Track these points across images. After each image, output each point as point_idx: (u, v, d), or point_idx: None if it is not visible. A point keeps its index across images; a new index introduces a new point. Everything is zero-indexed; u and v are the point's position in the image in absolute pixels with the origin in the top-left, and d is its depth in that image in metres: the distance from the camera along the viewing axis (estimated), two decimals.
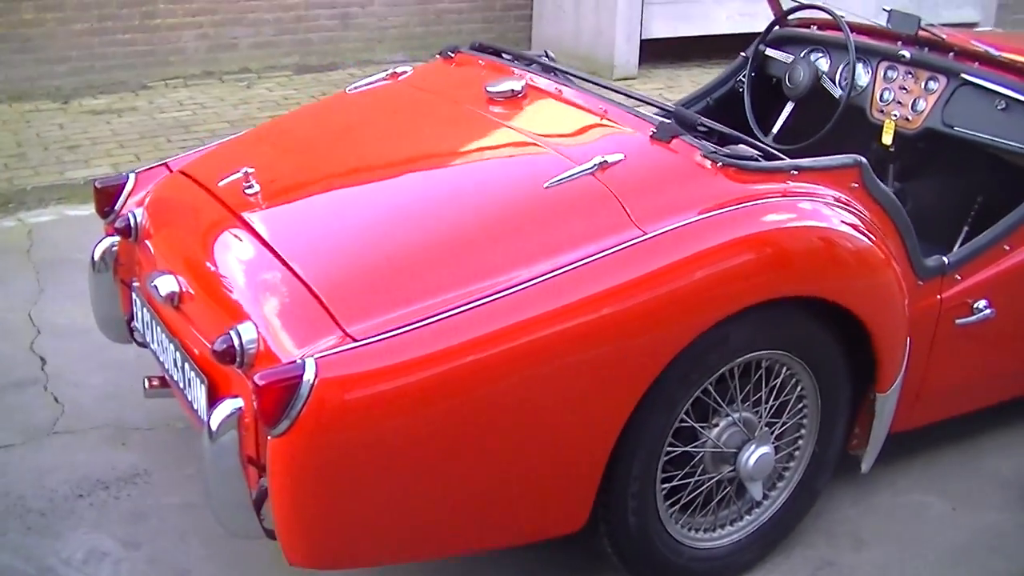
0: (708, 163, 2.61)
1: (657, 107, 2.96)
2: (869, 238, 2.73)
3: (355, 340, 2.24)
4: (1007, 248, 3.15)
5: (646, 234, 2.45)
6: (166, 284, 2.68)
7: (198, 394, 2.56)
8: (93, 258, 3.12)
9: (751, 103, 4.15)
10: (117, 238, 3.11)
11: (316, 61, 7.38)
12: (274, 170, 2.82)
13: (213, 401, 2.47)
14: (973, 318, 3.05)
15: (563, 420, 2.40)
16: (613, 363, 2.39)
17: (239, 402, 2.31)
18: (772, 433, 2.78)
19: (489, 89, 3.03)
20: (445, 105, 3.12)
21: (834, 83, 3.95)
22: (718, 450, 2.70)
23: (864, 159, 2.80)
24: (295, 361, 2.19)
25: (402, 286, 2.37)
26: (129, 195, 3.20)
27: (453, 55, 3.49)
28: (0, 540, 2.96)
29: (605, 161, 2.58)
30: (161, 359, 2.82)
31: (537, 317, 2.32)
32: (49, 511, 3.08)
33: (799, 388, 2.80)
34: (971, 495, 3.26)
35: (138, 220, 3.00)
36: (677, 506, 2.72)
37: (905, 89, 3.77)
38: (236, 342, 2.33)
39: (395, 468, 2.27)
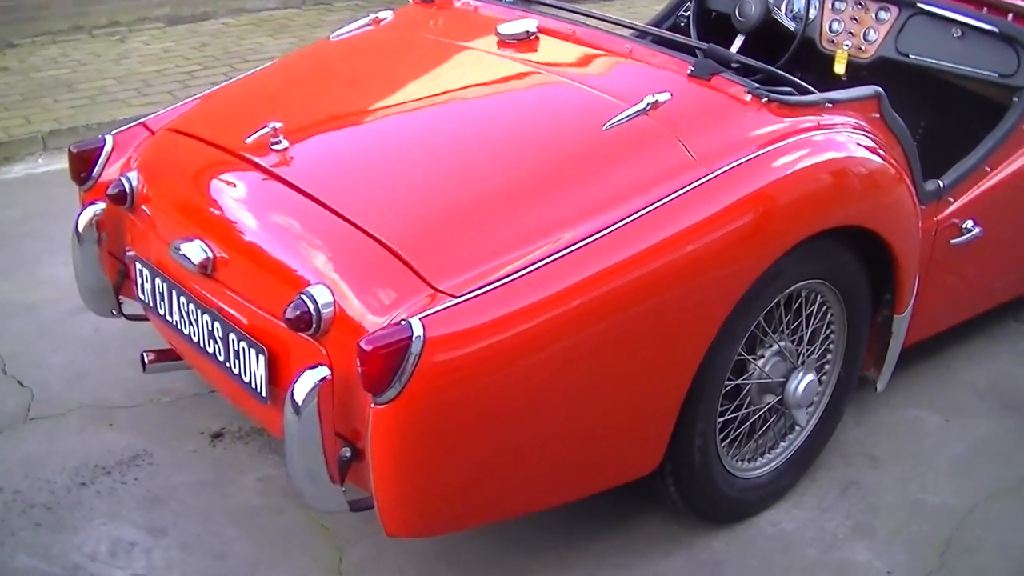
0: (752, 99, 2.61)
1: (681, 44, 2.93)
2: (893, 166, 2.79)
3: (454, 296, 2.16)
4: (988, 169, 3.28)
5: (711, 172, 2.45)
6: (195, 251, 2.50)
7: (253, 366, 2.41)
8: (77, 228, 2.89)
9: (697, 38, 4.17)
10: (102, 206, 2.89)
11: (188, 12, 7.01)
12: (301, 123, 2.65)
13: (276, 372, 2.35)
14: (964, 238, 3.18)
15: (647, 362, 2.38)
16: (694, 301, 2.39)
17: (324, 371, 2.19)
18: (815, 360, 2.83)
19: (501, 31, 2.94)
20: (459, 50, 2.99)
21: (782, 15, 4.01)
22: (766, 380, 2.74)
23: (882, 90, 2.85)
24: (399, 323, 2.09)
25: (483, 238, 2.29)
26: (108, 159, 2.97)
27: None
28: (11, 540, 2.74)
29: (656, 101, 2.55)
30: (185, 332, 2.64)
31: (623, 262, 2.28)
32: (54, 504, 2.87)
33: (829, 315, 2.86)
34: (958, 407, 3.42)
35: (134, 185, 2.79)
36: (727, 440, 2.74)
37: (855, 20, 3.86)
38: (311, 307, 2.21)
39: (493, 425, 2.22)
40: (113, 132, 3.05)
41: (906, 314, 2.97)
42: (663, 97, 2.56)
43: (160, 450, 3.09)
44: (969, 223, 3.19)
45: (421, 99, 2.79)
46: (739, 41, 4.09)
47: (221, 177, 2.61)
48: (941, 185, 3.11)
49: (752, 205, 2.46)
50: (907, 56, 3.72)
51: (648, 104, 2.54)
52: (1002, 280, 3.52)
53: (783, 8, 4.03)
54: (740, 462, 2.82)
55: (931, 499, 3.01)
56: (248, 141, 2.58)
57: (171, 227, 2.63)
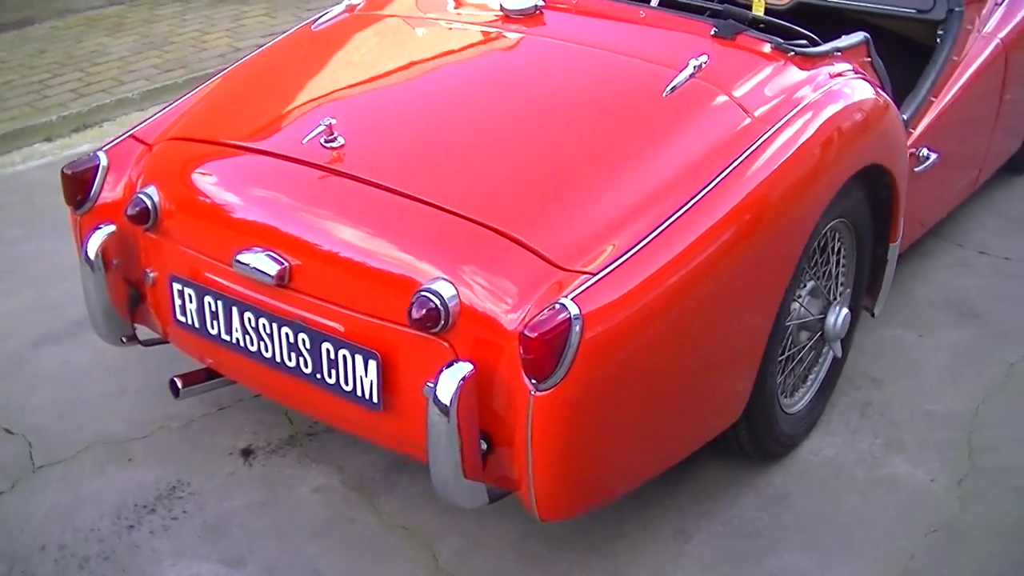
0: (778, 54, 2.72)
1: (689, 5, 3.00)
2: (892, 106, 2.98)
3: (591, 274, 2.17)
4: (933, 99, 3.52)
5: (771, 127, 2.55)
6: (267, 263, 2.40)
7: (360, 374, 2.35)
8: (88, 255, 2.71)
9: None
10: (111, 228, 2.71)
11: (11, 17, 6.47)
12: (352, 118, 2.56)
13: (391, 376, 2.30)
14: (924, 166, 3.42)
15: (747, 307, 2.50)
16: (779, 245, 2.52)
17: (466, 367, 2.16)
18: (848, 295, 3.00)
19: (507, 6, 2.93)
20: (476, 29, 2.95)
21: None
22: (809, 318, 2.88)
23: (868, 35, 3.03)
24: (554, 306, 2.09)
25: (590, 213, 2.32)
26: (105, 178, 2.79)
27: None
28: None
29: (700, 64, 2.62)
30: (251, 349, 2.52)
31: (723, 218, 2.37)
32: (110, 552, 2.70)
33: (843, 250, 3.03)
34: (924, 322, 3.68)
35: (156, 201, 2.63)
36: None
37: None
38: (437, 303, 2.17)
39: (636, 391, 2.27)
40: (105, 148, 2.85)
41: (899, 241, 3.18)
42: (703, 60, 2.63)
43: (196, 478, 2.94)
44: (925, 151, 3.43)
45: (464, 81, 2.76)
46: None
47: (282, 183, 2.50)
48: (904, 118, 3.33)
49: (811, 153, 2.59)
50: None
51: (695, 67, 2.60)
52: (952, 192, 3.81)
53: None
54: (785, 398, 2.96)
55: (938, 408, 3.25)
56: (306, 142, 2.47)
57: (226, 241, 2.50)
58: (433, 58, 2.88)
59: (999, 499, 2.90)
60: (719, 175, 2.41)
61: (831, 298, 2.95)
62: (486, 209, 2.30)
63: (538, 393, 2.10)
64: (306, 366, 2.44)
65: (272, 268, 2.38)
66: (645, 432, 2.34)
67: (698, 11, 2.91)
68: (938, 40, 3.65)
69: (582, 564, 2.67)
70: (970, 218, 4.32)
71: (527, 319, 2.11)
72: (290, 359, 2.46)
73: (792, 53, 2.74)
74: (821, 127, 2.63)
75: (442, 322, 2.18)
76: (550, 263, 2.21)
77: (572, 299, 2.10)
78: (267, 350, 2.50)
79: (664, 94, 2.55)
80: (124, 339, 2.88)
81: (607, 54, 2.75)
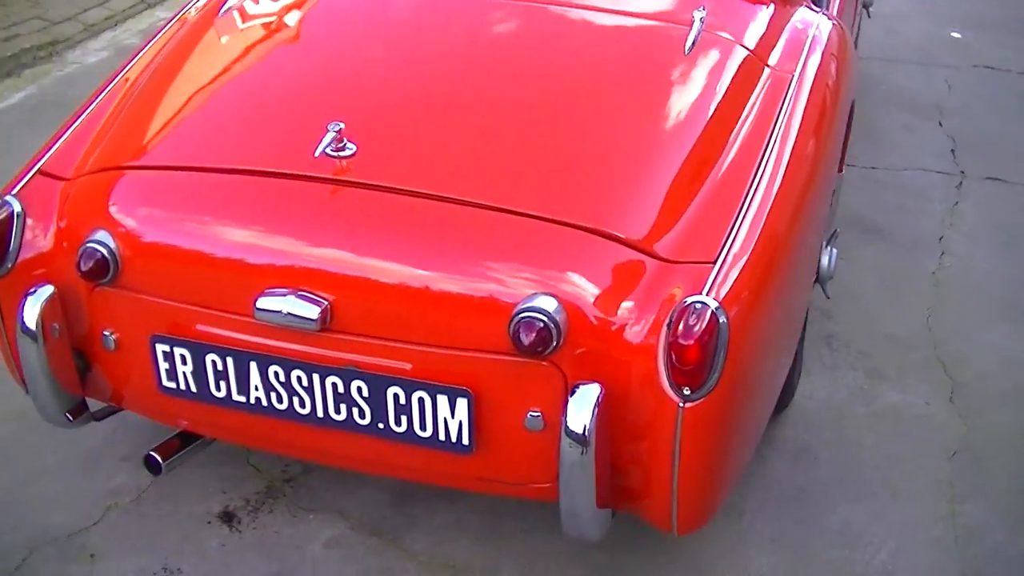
0: None
1: None
2: (848, 36, 2.93)
3: (711, 263, 1.98)
4: None
5: (792, 77, 2.45)
6: (302, 306, 2.02)
7: (444, 415, 2.03)
8: (26, 326, 2.19)
9: None
10: (50, 288, 2.22)
11: None
12: (359, 119, 2.18)
13: (483, 413, 2.01)
14: None
15: (811, 263, 2.43)
16: (824, 193, 2.46)
17: (595, 388, 1.91)
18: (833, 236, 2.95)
19: None
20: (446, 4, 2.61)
21: None
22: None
23: None
24: (695, 306, 1.88)
25: (667, 192, 2.11)
26: (24, 228, 2.28)
27: None
28: None
29: (703, 15, 2.45)
30: (279, 408, 2.14)
31: (788, 175, 2.25)
32: None
33: None
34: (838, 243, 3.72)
35: (115, 250, 2.16)
36: None
37: None
38: (546, 322, 1.90)
39: (758, 377, 2.11)
40: (13, 191, 2.32)
41: (844, 173, 3.17)
42: (702, 10, 2.47)
43: (182, 559, 2.51)
44: None
45: (466, 58, 2.42)
46: None
47: (296, 206, 2.10)
48: None
49: (828, 95, 2.54)
50: None
51: (701, 20, 2.43)
52: None
53: None
54: None
55: (895, 331, 3.30)
56: (318, 154, 2.09)
57: (235, 286, 2.08)
58: (414, 33, 2.52)
59: (993, 411, 2.98)
60: (771, 133, 2.27)
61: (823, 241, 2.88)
62: (560, 205, 2.04)
63: (689, 404, 1.89)
64: (362, 417, 2.09)
65: (312, 311, 2.01)
66: (758, 413, 2.21)
67: None
68: None
69: (651, 563, 2.50)
70: None
71: (662, 326, 1.88)
72: (338, 412, 2.10)
73: None
74: (824, 71, 2.56)
75: (554, 343, 1.92)
76: (659, 258, 1.99)
77: (710, 295, 1.90)
78: (303, 406, 2.12)
79: (686, 52, 2.36)
80: (70, 416, 2.38)
81: (607, 15, 2.51)
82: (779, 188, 2.19)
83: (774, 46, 2.50)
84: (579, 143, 2.19)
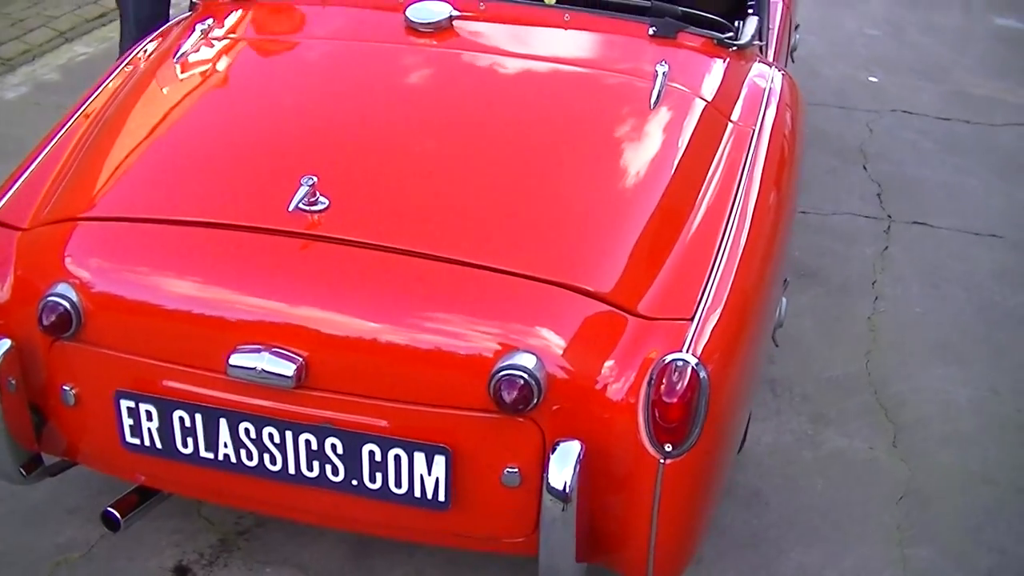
0: (721, 49, 2.66)
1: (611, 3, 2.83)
2: (795, 84, 3.00)
3: (688, 319, 2.01)
4: None
5: (753, 130, 2.50)
6: (277, 363, 2.00)
7: (421, 472, 2.02)
8: None
9: None
10: (7, 343, 2.16)
11: None
12: (328, 173, 2.16)
13: (461, 470, 2.01)
14: None
15: (773, 311, 2.49)
16: (785, 242, 2.49)
17: (576, 445, 1.93)
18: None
19: (413, 18, 2.61)
20: (392, 50, 2.59)
21: None
22: None
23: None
24: (675, 363, 1.91)
25: (640, 247, 2.14)
26: None
27: None
28: None
29: (665, 69, 2.49)
30: (248, 465, 2.11)
31: (754, 228, 2.29)
32: None
33: None
34: None
35: (77, 304, 2.11)
36: None
37: None
38: (526, 379, 1.91)
39: (731, 429, 2.15)
40: None
41: None
42: (664, 64, 2.51)
43: None
44: None
45: (435, 113, 2.41)
46: None
47: (267, 262, 2.08)
48: None
49: (786, 146, 2.58)
50: None
51: (664, 74, 2.47)
52: None
53: None
54: None
55: (834, 373, 3.37)
56: (291, 209, 2.07)
57: (205, 342, 2.05)
58: (390, 86, 2.50)
59: (935, 453, 3.06)
60: (737, 187, 2.32)
61: None
62: (535, 261, 2.05)
63: (670, 460, 1.91)
64: (335, 474, 2.07)
65: (288, 369, 1.98)
66: (728, 466, 2.24)
67: (618, 9, 2.75)
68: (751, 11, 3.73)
69: None
70: None
71: (642, 384, 1.91)
72: (310, 469, 2.08)
73: (732, 48, 2.67)
74: (781, 123, 2.62)
75: (535, 400, 1.92)
76: (637, 315, 2.01)
77: (689, 352, 1.92)
78: (274, 463, 2.09)
79: (651, 106, 2.39)
80: (24, 471, 2.31)
81: (566, 68, 2.53)
82: (747, 241, 2.23)
83: (735, 100, 2.55)
84: (552, 198, 2.20)
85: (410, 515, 2.08)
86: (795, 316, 3.61)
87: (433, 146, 2.30)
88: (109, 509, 2.31)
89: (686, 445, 1.90)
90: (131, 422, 2.14)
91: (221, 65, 2.62)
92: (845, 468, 2.99)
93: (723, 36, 2.69)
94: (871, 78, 5.66)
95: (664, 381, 1.89)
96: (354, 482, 2.07)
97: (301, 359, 1.99)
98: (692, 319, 2.00)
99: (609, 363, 1.96)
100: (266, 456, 2.09)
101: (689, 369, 1.90)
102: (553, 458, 1.90)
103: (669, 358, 1.92)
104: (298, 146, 2.31)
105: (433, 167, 2.25)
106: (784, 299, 2.92)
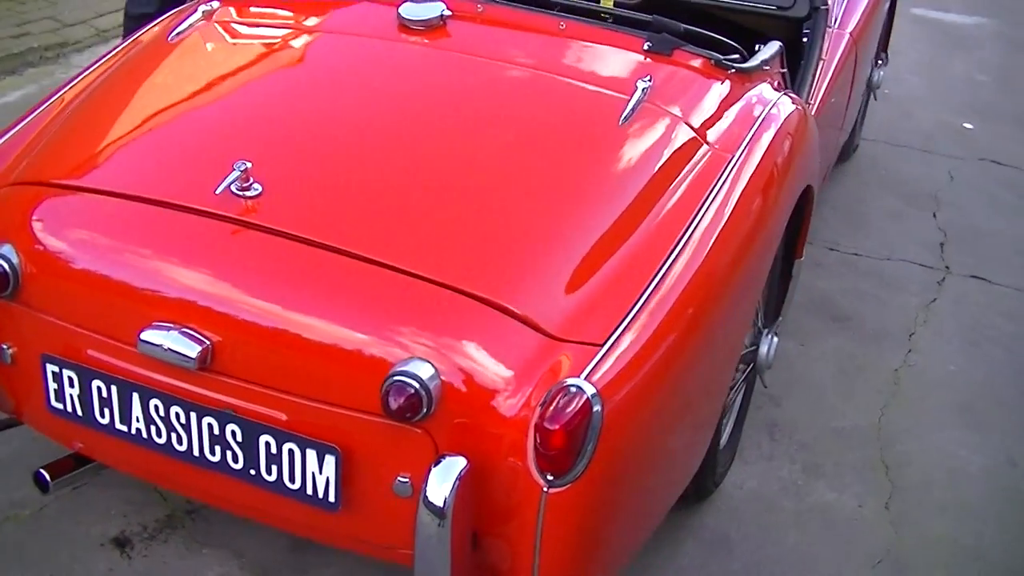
0: (718, 71, 2.55)
1: (615, 14, 2.75)
2: (809, 117, 2.86)
3: (598, 345, 1.91)
4: (809, 103, 3.45)
5: (732, 156, 2.37)
6: (185, 343, 1.98)
7: (312, 470, 1.98)
8: None
9: None
10: None
11: None
12: (266, 159, 2.14)
13: (352, 472, 1.96)
14: None
15: (727, 349, 2.35)
16: (750, 279, 2.38)
17: (460, 462, 1.85)
18: (776, 322, 2.87)
19: (405, 15, 2.58)
20: (378, 43, 2.57)
21: None
22: (747, 350, 2.74)
23: (781, 43, 2.90)
24: (568, 389, 1.82)
25: (572, 269, 2.05)
26: None
27: None
28: None
29: (647, 86, 2.39)
30: (158, 442, 2.10)
31: (706, 263, 2.17)
32: None
33: None
34: (801, 330, 3.63)
35: (16, 265, 2.13)
36: None
37: None
38: (417, 387, 1.85)
39: (643, 467, 2.05)
40: None
41: (804, 256, 3.09)
42: (648, 80, 2.41)
43: None
44: None
45: (387, 108, 2.37)
46: None
47: (193, 242, 2.07)
48: None
49: (771, 181, 2.46)
50: None
51: (644, 91, 2.37)
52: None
53: None
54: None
55: (842, 424, 3.20)
56: (219, 192, 2.06)
57: (124, 316, 2.05)
58: (341, 80, 2.49)
59: (929, 520, 2.87)
60: (695, 217, 2.20)
61: (760, 327, 2.81)
62: (455, 270, 1.98)
63: (553, 490, 1.82)
64: (235, 461, 2.04)
65: (192, 349, 1.97)
66: (642, 505, 2.14)
67: (620, 21, 2.67)
68: (804, 40, 3.57)
69: None
70: None
71: (534, 405, 1.82)
72: (213, 453, 2.06)
73: (732, 70, 2.55)
74: (771, 155, 2.48)
75: (424, 410, 1.86)
76: (546, 334, 1.92)
77: (586, 378, 1.83)
78: (180, 443, 2.08)
79: (620, 123, 2.30)
80: None
81: (544, 76, 2.46)
82: (697, 271, 2.12)
83: (719, 123, 2.43)
84: (490, 208, 2.14)
85: (305, 512, 2.04)
86: (816, 360, 3.47)
87: (383, 145, 2.26)
88: (41, 470, 2.34)
89: (568, 477, 1.81)
90: (55, 386, 2.16)
91: (199, 52, 2.62)
92: (826, 524, 2.83)
93: (723, 57, 2.57)
94: (966, 124, 5.41)
95: (552, 406, 1.80)
96: (252, 472, 2.04)
97: (208, 342, 1.98)
98: (602, 345, 1.91)
99: (507, 382, 1.88)
100: (173, 435, 2.08)
101: (582, 398, 1.80)
102: (434, 471, 1.84)
103: (566, 382, 1.83)
104: (243, 132, 2.30)
105: (377, 166, 2.20)
106: (774, 338, 2.80)
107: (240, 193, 2.07)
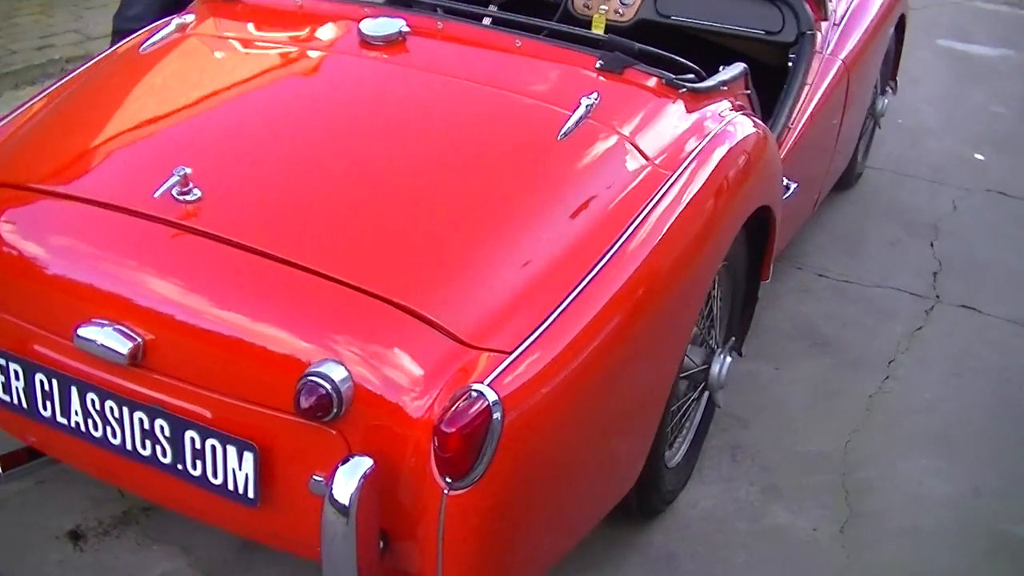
0: (669, 90, 2.58)
1: (568, 34, 2.80)
2: (770, 138, 2.88)
3: (504, 352, 1.95)
4: (790, 127, 3.46)
5: (673, 174, 2.41)
6: (117, 339, 2.06)
7: (232, 466, 2.04)
8: None
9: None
10: None
11: None
12: (208, 166, 2.22)
13: (269, 469, 2.01)
14: (787, 195, 3.35)
15: (655, 368, 2.36)
16: (684, 299, 2.39)
17: (366, 462, 1.90)
18: (730, 342, 2.88)
19: (365, 31, 2.65)
20: (336, 57, 2.65)
21: None
22: (696, 369, 2.76)
23: (746, 65, 2.92)
24: (470, 394, 1.86)
25: (492, 279, 2.09)
26: None
27: None
28: None
29: (592, 103, 2.43)
30: (94, 435, 2.17)
31: (634, 275, 2.20)
32: None
33: (721, 295, 2.92)
34: (778, 353, 3.64)
35: None
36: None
37: None
38: (328, 388, 1.90)
39: (554, 475, 2.08)
40: None
41: (769, 279, 3.10)
42: (594, 97, 2.45)
43: (18, 570, 2.55)
44: (785, 180, 3.36)
45: (332, 121, 2.44)
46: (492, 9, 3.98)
47: (129, 243, 2.15)
48: None
49: (712, 201, 2.47)
50: (668, 18, 3.79)
51: (587, 107, 2.42)
52: (800, 218, 3.78)
53: None
54: (667, 451, 2.82)
55: (807, 448, 3.19)
56: (157, 195, 2.14)
57: (62, 311, 2.13)
58: (293, 92, 2.57)
59: (882, 546, 2.86)
60: (625, 232, 2.23)
61: (714, 346, 2.83)
62: (375, 276, 2.04)
63: (453, 492, 1.86)
64: (164, 456, 2.11)
65: (123, 346, 2.04)
66: (559, 514, 2.17)
67: (577, 40, 2.71)
68: (790, 64, 3.60)
69: None
70: (803, 239, 4.30)
71: (439, 408, 1.87)
72: (144, 447, 2.13)
73: (684, 89, 2.59)
74: (718, 173, 2.51)
75: (334, 410, 1.91)
76: (456, 340, 1.97)
77: (489, 384, 1.87)
78: (115, 436, 2.15)
79: (559, 138, 2.35)
80: None
81: (490, 90, 2.51)
82: (624, 285, 2.15)
83: (662, 140, 2.47)
84: (417, 217, 2.19)
85: (227, 508, 2.10)
86: (789, 384, 3.47)
87: (323, 156, 2.33)
88: None
89: (467, 480, 1.85)
90: (2, 379, 2.24)
91: (164, 64, 2.70)
92: (776, 546, 2.83)
93: (676, 77, 2.61)
94: (977, 155, 5.36)
95: (452, 409, 1.85)
96: (179, 466, 2.10)
97: (140, 339, 2.05)
98: (511, 353, 1.95)
99: (418, 385, 1.93)
100: (108, 429, 2.15)
101: (482, 403, 1.84)
102: (340, 470, 1.89)
103: (470, 387, 1.88)
104: (189, 140, 2.38)
105: (314, 175, 2.27)
106: (727, 358, 2.82)
107: (179, 198, 2.15)
